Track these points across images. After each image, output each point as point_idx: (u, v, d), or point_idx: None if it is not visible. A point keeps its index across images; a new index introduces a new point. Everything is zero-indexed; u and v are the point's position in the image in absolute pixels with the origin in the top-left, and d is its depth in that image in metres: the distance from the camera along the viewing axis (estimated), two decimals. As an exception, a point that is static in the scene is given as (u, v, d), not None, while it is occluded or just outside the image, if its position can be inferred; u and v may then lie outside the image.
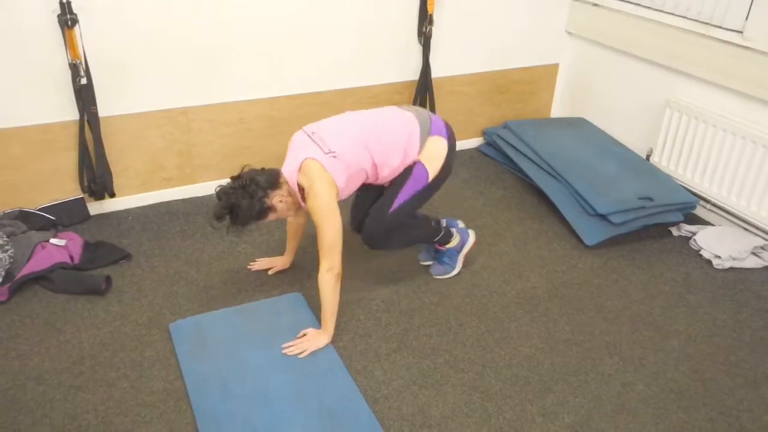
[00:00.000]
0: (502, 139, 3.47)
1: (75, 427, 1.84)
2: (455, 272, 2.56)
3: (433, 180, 2.29)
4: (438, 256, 2.57)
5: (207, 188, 3.04)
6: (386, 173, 2.25)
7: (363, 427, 1.87)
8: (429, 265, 2.60)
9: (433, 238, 2.48)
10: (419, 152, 2.26)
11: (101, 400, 1.93)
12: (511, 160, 3.38)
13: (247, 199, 2.07)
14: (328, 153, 2.10)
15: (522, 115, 3.76)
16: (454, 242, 2.53)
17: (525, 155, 3.29)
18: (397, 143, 2.22)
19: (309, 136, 2.18)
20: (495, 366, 2.13)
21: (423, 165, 2.26)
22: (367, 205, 2.33)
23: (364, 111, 2.31)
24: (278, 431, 1.84)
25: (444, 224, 2.54)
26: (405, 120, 2.27)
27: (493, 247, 2.77)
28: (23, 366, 2.05)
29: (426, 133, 2.27)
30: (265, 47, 2.93)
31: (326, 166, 2.08)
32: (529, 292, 2.50)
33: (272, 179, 2.14)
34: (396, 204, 2.25)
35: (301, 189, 2.13)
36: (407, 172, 2.27)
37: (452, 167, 2.36)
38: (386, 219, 2.25)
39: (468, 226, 2.66)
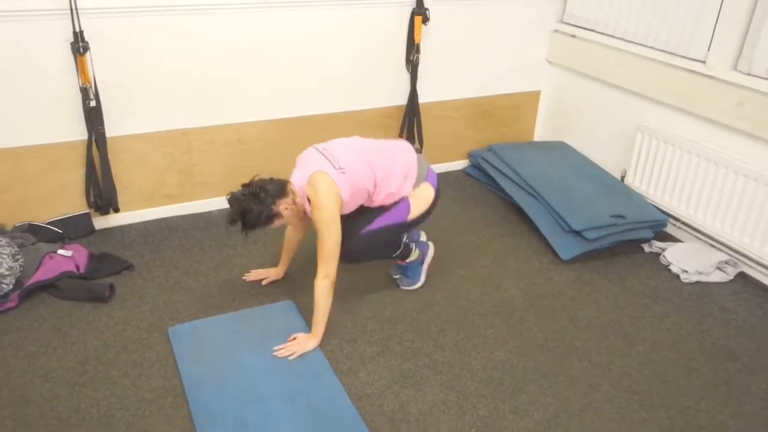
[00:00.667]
0: (486, 161, 3.67)
1: (79, 419, 1.99)
2: (420, 283, 2.71)
3: (412, 220, 2.48)
4: (402, 269, 2.74)
5: (206, 205, 3.23)
6: (382, 197, 2.42)
7: (347, 423, 2.01)
8: (397, 278, 2.75)
9: (393, 254, 2.63)
10: (412, 190, 2.46)
11: (104, 396, 2.08)
12: (494, 180, 3.57)
13: (257, 204, 2.24)
14: (338, 168, 2.28)
15: (506, 138, 3.96)
16: (414, 256, 2.70)
17: (507, 176, 3.48)
18: (397, 171, 2.42)
19: (320, 152, 2.35)
20: (471, 369, 2.28)
21: (409, 202, 2.46)
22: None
23: (374, 139, 2.50)
24: (268, 427, 1.98)
25: (404, 239, 2.67)
26: (409, 156, 2.48)
27: (474, 261, 2.94)
28: (32, 365, 2.20)
29: (423, 177, 2.49)
30: (262, 73, 3.13)
31: (336, 179, 2.25)
32: (506, 302, 2.66)
33: (280, 188, 2.30)
34: (370, 228, 2.42)
35: (308, 200, 2.29)
36: (393, 203, 2.45)
37: (431, 214, 2.55)
38: (356, 239, 2.40)
39: (452, 242, 2.84)
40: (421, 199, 2.49)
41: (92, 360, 2.24)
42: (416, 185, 2.48)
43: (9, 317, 2.43)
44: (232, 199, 2.27)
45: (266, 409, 2.05)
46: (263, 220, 2.27)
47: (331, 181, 2.24)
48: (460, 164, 3.91)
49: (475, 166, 3.83)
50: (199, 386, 2.12)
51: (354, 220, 2.42)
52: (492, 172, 3.58)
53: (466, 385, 2.20)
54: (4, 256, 2.50)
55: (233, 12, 2.95)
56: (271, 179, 2.33)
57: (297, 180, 2.32)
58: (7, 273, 2.47)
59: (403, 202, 2.46)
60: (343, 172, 2.28)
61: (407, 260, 2.70)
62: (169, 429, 1.97)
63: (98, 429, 1.95)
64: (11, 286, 2.48)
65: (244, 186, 2.30)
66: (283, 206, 2.30)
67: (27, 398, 2.06)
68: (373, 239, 2.44)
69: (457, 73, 3.65)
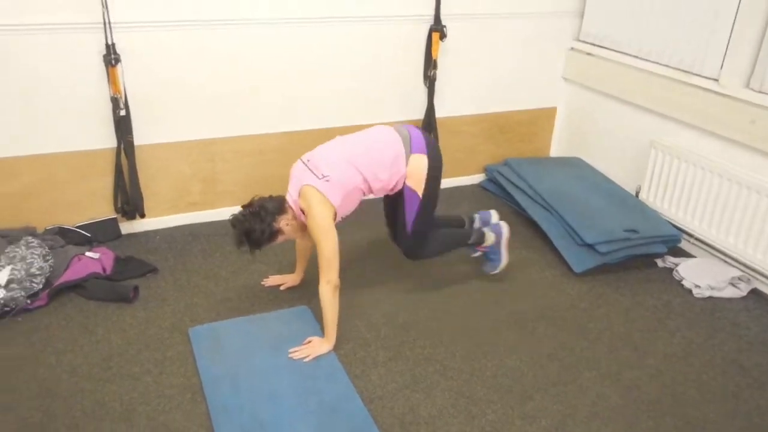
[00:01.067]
0: (502, 175, 3.73)
1: (103, 413, 2.08)
2: (504, 263, 2.85)
3: (425, 192, 2.52)
4: (483, 255, 2.88)
5: (228, 213, 3.30)
6: (378, 187, 2.50)
7: (359, 423, 2.07)
8: (481, 262, 2.93)
9: (466, 242, 2.79)
10: (405, 167, 2.51)
11: (126, 391, 2.17)
12: (509, 195, 3.63)
13: (259, 224, 2.34)
14: (321, 178, 2.35)
15: (522, 153, 4.02)
16: (489, 241, 2.83)
17: (522, 190, 3.54)
18: (383, 161, 2.46)
19: (305, 164, 2.43)
20: (482, 375, 2.33)
21: (409, 187, 2.51)
22: (392, 220, 2.67)
23: (353, 134, 2.56)
24: (282, 424, 2.05)
25: (476, 225, 2.88)
26: (391, 140, 2.50)
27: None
28: (59, 361, 2.30)
29: (408, 152, 2.51)
30: (283, 87, 3.25)
31: (321, 189, 2.33)
32: (518, 312, 2.71)
33: (279, 205, 2.40)
34: (409, 225, 2.56)
35: (303, 212, 2.39)
36: (401, 196, 2.53)
37: (439, 171, 2.57)
38: (410, 238, 2.59)
39: (467, 253, 2.91)
40: (416, 175, 2.50)
41: (116, 357, 2.33)
42: (407, 162, 2.49)
43: (38, 315, 2.54)
44: (235, 221, 2.38)
45: (280, 408, 2.11)
46: (266, 237, 2.37)
47: (317, 192, 2.33)
48: (477, 178, 3.98)
49: (491, 180, 3.89)
50: (216, 385, 2.20)
51: (395, 227, 2.61)
52: (507, 186, 3.64)
53: (476, 391, 2.25)
54: (36, 257, 2.62)
55: (257, 27, 3.07)
56: (270, 197, 2.44)
57: (290, 195, 2.42)
58: (37, 272, 2.59)
59: (405, 190, 2.51)
60: (328, 180, 2.35)
61: (485, 245, 2.83)
62: (187, 425, 2.04)
63: (120, 422, 2.04)
64: (41, 285, 2.59)
65: (245, 207, 2.40)
66: (284, 222, 2.39)
67: (54, 392, 2.16)
68: (420, 229, 2.58)
69: (474, 89, 3.73)
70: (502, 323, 2.64)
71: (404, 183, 2.52)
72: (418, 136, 2.54)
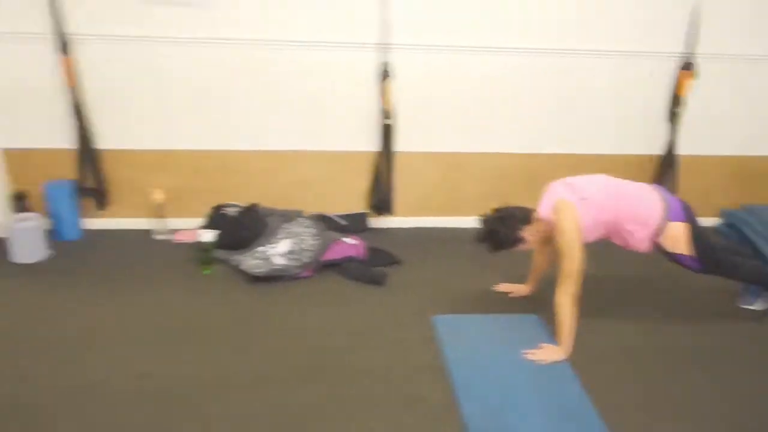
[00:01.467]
0: (743, 219, 3.56)
1: (361, 372, 2.38)
2: (757, 307, 2.83)
3: (696, 251, 2.57)
4: (753, 290, 2.87)
5: (465, 221, 3.58)
6: (620, 236, 2.58)
7: (591, 430, 2.15)
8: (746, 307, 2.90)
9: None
10: (658, 235, 2.56)
11: (379, 358, 2.46)
12: (749, 240, 3.45)
13: (504, 228, 2.54)
14: (580, 198, 2.50)
15: (763, 202, 3.78)
16: None
17: (765, 236, 3.35)
18: (637, 214, 2.55)
19: (567, 184, 2.59)
20: (714, 408, 2.27)
21: (678, 254, 2.59)
22: None
23: (619, 179, 2.66)
24: (518, 412, 2.19)
25: None
26: (652, 198, 2.59)
27: (722, 313, 2.90)
28: (317, 324, 2.66)
29: (666, 219, 2.56)
30: (528, 111, 3.46)
31: (577, 206, 2.47)
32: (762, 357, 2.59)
33: (527, 216, 2.58)
34: (697, 269, 2.64)
35: (552, 226, 2.52)
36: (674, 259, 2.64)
37: (697, 223, 2.61)
38: (703, 271, 2.65)
39: (697, 294, 2.88)
40: (678, 238, 2.57)
41: (369, 331, 2.65)
42: (662, 229, 2.55)
43: (303, 284, 2.99)
44: (484, 220, 2.59)
45: (516, 398, 2.26)
46: (509, 242, 2.54)
47: (572, 207, 2.45)
48: (710, 221, 3.83)
49: (728, 224, 3.72)
50: (459, 366, 2.41)
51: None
52: (747, 231, 3.47)
53: (711, 424, 2.20)
54: (307, 235, 3.08)
55: (510, 55, 3.33)
56: (520, 207, 2.61)
57: (543, 208, 2.55)
58: (308, 249, 3.04)
59: (677, 257, 2.61)
60: (585, 202, 2.47)
61: None
62: (434, 395, 2.27)
63: (379, 382, 2.33)
64: (309, 260, 3.04)
65: (495, 210, 2.60)
66: (528, 233, 2.55)
67: (308, 349, 2.49)
68: (708, 265, 2.62)
69: (720, 130, 3.63)
70: (743, 365, 2.53)
71: (667, 250, 2.59)
72: (675, 202, 2.61)
